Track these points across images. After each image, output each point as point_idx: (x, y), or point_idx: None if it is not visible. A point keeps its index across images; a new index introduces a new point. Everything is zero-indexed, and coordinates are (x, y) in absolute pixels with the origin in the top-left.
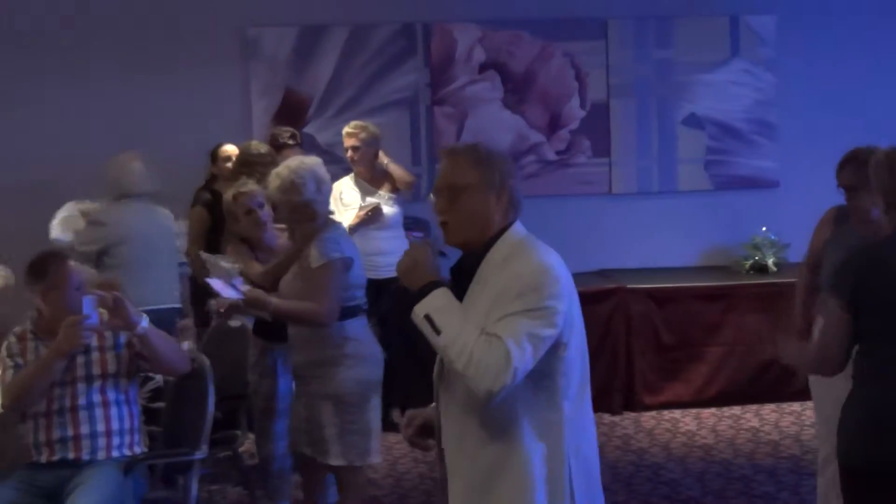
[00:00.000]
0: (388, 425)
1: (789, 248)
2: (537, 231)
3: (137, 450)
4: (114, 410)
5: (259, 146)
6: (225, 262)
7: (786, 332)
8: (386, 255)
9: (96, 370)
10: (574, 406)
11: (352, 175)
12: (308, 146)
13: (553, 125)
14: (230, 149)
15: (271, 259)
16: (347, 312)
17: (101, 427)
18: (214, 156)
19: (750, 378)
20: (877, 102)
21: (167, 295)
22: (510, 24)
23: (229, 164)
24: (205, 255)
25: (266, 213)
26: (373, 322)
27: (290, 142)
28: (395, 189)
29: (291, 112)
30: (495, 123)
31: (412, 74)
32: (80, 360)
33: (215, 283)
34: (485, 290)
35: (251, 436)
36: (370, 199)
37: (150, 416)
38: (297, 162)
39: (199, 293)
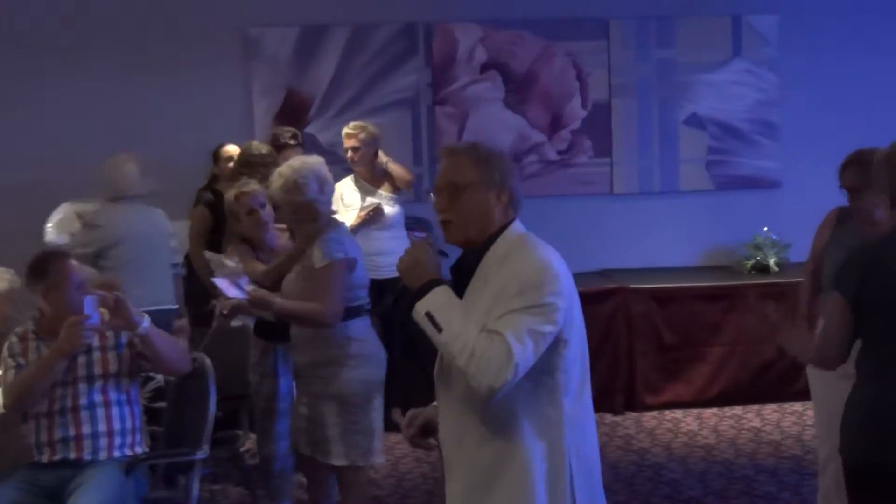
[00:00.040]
0: (389, 425)
1: (791, 248)
2: (538, 231)
3: (139, 450)
4: (115, 410)
5: (260, 146)
6: (230, 262)
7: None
8: (387, 254)
9: (98, 370)
10: (574, 403)
11: (352, 176)
12: (309, 146)
13: (554, 125)
14: (232, 149)
15: (272, 259)
16: (351, 312)
17: (102, 427)
18: (216, 156)
19: (751, 378)
20: (879, 102)
21: (163, 296)
22: (512, 24)
23: (231, 164)
24: (210, 255)
25: (268, 213)
26: (374, 322)
27: (292, 142)
28: (395, 188)
29: (293, 112)
30: (497, 123)
31: (413, 74)
32: (82, 360)
33: (221, 283)
34: (485, 288)
35: (252, 436)
36: (371, 200)
37: (151, 416)
38: (299, 162)
39: (199, 293)
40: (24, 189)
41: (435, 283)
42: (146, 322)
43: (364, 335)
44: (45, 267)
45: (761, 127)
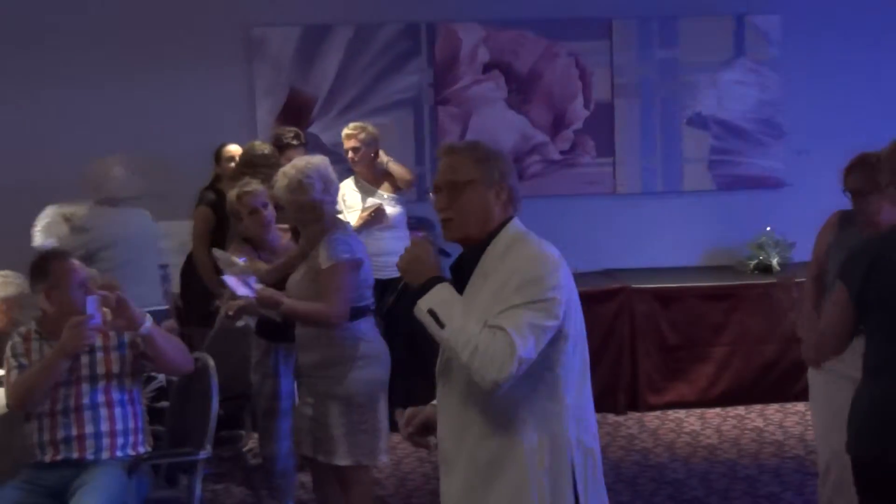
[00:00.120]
0: (392, 425)
1: (794, 248)
2: (541, 231)
3: (141, 449)
4: (118, 410)
5: (262, 146)
6: (238, 260)
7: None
8: (390, 254)
9: (100, 370)
10: (575, 397)
11: (353, 177)
12: (312, 146)
13: (557, 125)
14: (234, 149)
15: (274, 259)
16: (357, 313)
17: (104, 427)
18: (218, 156)
19: (754, 378)
20: (882, 101)
21: (152, 297)
22: (514, 23)
23: (233, 164)
24: (218, 253)
25: (270, 212)
26: (377, 321)
27: (294, 142)
28: (396, 188)
29: (296, 112)
30: (499, 123)
31: (416, 74)
32: (85, 360)
33: (230, 281)
34: (486, 284)
35: (255, 435)
36: (371, 200)
37: (153, 415)
38: (304, 161)
39: (201, 293)
40: (25, 189)
41: (436, 280)
42: (148, 322)
43: (370, 335)
44: (45, 266)
45: (764, 127)
